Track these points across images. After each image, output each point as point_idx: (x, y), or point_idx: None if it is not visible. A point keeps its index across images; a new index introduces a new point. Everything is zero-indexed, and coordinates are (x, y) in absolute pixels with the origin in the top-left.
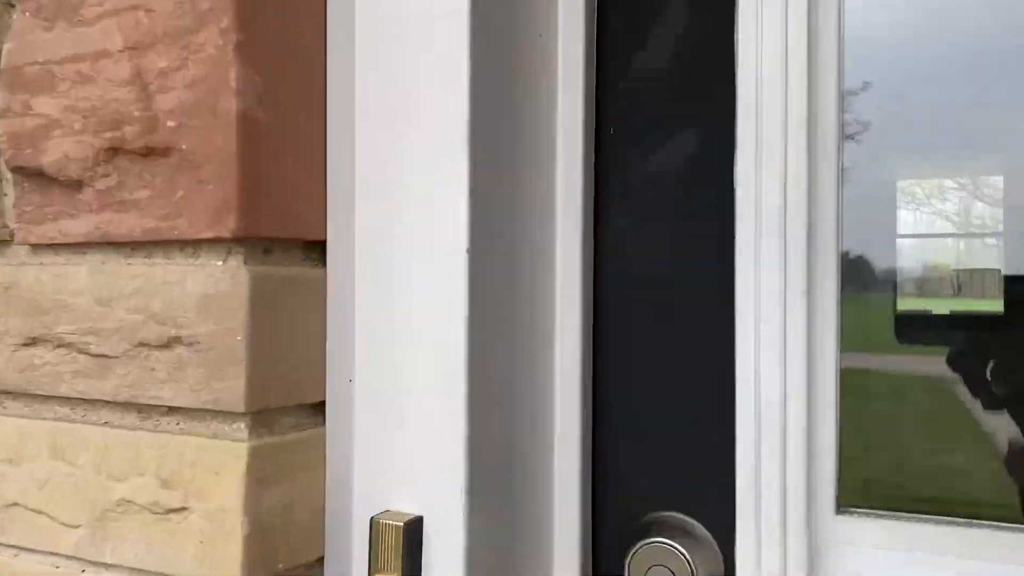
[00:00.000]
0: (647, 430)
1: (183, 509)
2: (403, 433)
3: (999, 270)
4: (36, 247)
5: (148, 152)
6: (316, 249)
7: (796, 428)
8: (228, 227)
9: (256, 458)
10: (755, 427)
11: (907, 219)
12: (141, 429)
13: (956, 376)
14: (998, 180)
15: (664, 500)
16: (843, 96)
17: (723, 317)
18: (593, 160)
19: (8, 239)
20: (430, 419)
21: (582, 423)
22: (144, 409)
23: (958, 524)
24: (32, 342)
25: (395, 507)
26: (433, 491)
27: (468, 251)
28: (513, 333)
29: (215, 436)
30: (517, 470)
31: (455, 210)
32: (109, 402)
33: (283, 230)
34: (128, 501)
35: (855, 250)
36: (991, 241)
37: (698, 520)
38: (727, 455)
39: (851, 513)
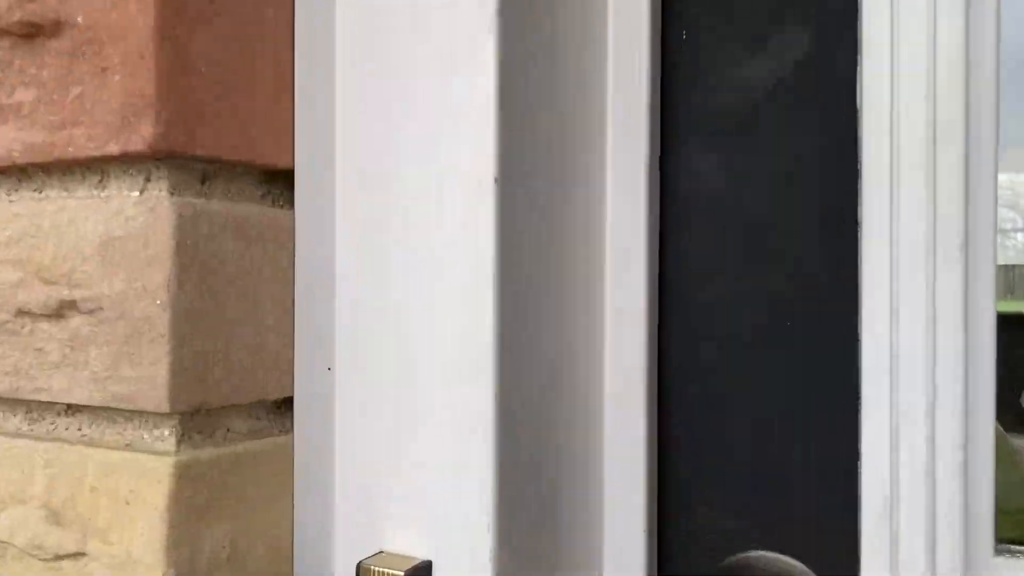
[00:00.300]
0: (731, 439)
1: (79, 555)
2: (404, 442)
3: None
4: None
5: (30, 32)
6: (279, 181)
7: (949, 437)
8: (142, 136)
9: (187, 479)
10: (890, 436)
11: None
12: (26, 436)
13: None
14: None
15: (757, 536)
16: None
17: (841, 283)
18: (659, 75)
19: None
20: (444, 423)
21: (646, 431)
22: (34, 407)
23: None
24: None
25: (392, 548)
26: (447, 525)
27: (497, 180)
28: (553, 302)
29: (129, 447)
30: (561, 496)
31: (481, 128)
32: None
33: (229, 149)
34: (3, 542)
35: None
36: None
37: (804, 562)
38: (845, 474)
39: (1013, 553)
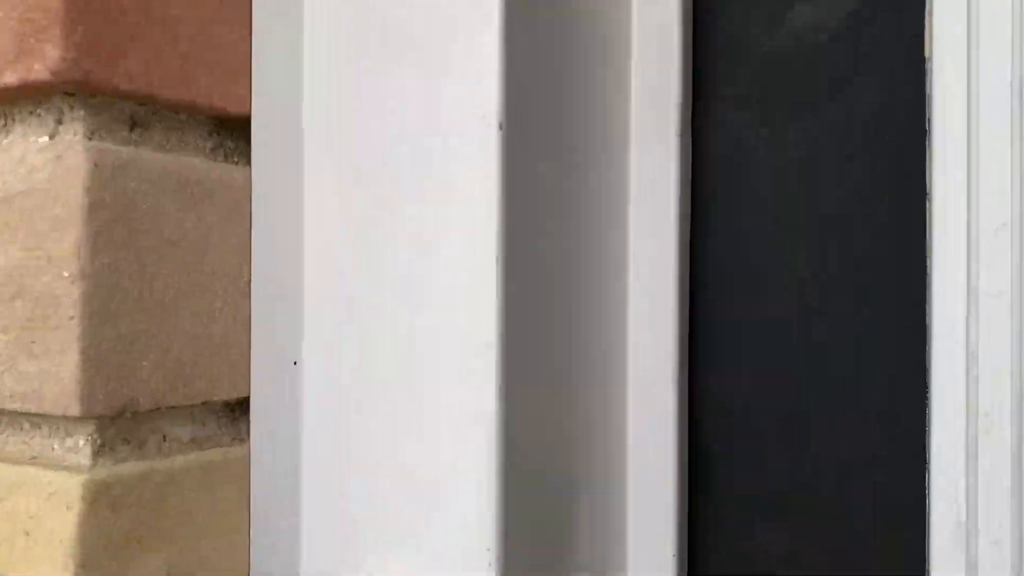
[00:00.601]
0: (773, 445)
1: None
2: (388, 454)
3: None
4: None
5: None
6: (234, 130)
7: None
8: (46, 62)
9: (104, 501)
10: (967, 444)
11: None
12: None
13: None
14: None
15: (804, 558)
16: None
17: (906, 265)
18: (691, 28)
19: None
20: (435, 427)
21: (676, 437)
22: None
23: None
24: None
25: None
26: (440, 556)
27: (501, 125)
28: (569, 282)
29: (34, 460)
30: (578, 515)
31: (483, 57)
32: None
33: (166, 85)
34: None
35: None
36: None
37: None
38: (910, 490)
39: None
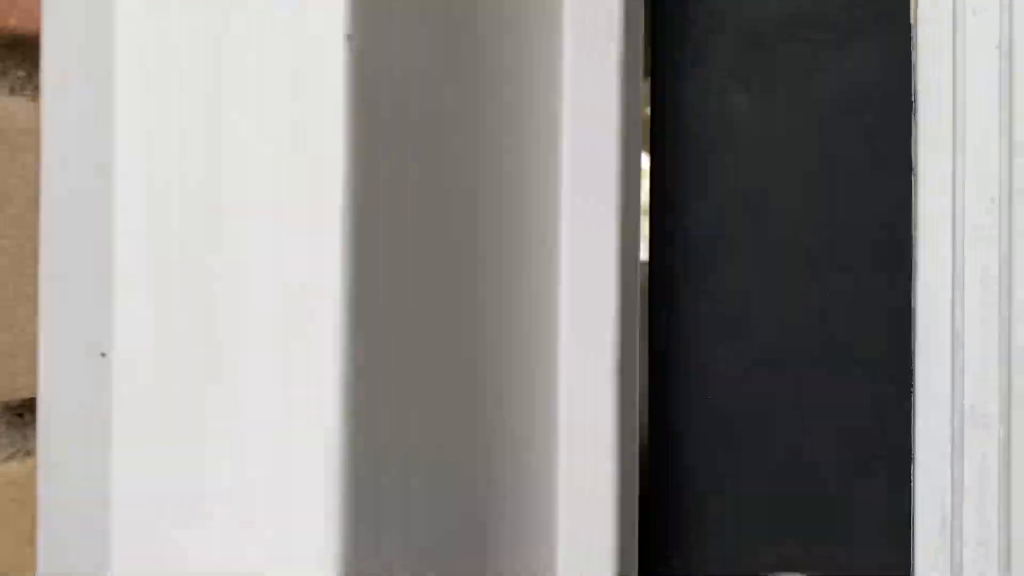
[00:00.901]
0: (747, 437)
1: None
2: (222, 470)
3: None
4: None
5: None
6: (22, 55)
7: None
8: None
9: None
10: (952, 439)
11: None
12: None
13: None
14: None
15: (781, 555)
16: None
17: (889, 245)
18: None
19: None
20: (277, 438)
21: (617, 457)
22: None
23: None
24: None
25: None
26: None
27: (348, 37)
28: (459, 274)
29: None
30: (488, 540)
31: None
32: None
33: None
34: None
35: None
36: None
37: None
38: (894, 486)
39: None
